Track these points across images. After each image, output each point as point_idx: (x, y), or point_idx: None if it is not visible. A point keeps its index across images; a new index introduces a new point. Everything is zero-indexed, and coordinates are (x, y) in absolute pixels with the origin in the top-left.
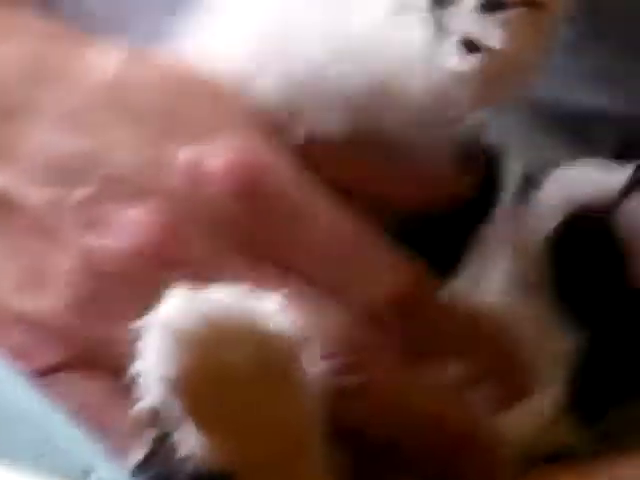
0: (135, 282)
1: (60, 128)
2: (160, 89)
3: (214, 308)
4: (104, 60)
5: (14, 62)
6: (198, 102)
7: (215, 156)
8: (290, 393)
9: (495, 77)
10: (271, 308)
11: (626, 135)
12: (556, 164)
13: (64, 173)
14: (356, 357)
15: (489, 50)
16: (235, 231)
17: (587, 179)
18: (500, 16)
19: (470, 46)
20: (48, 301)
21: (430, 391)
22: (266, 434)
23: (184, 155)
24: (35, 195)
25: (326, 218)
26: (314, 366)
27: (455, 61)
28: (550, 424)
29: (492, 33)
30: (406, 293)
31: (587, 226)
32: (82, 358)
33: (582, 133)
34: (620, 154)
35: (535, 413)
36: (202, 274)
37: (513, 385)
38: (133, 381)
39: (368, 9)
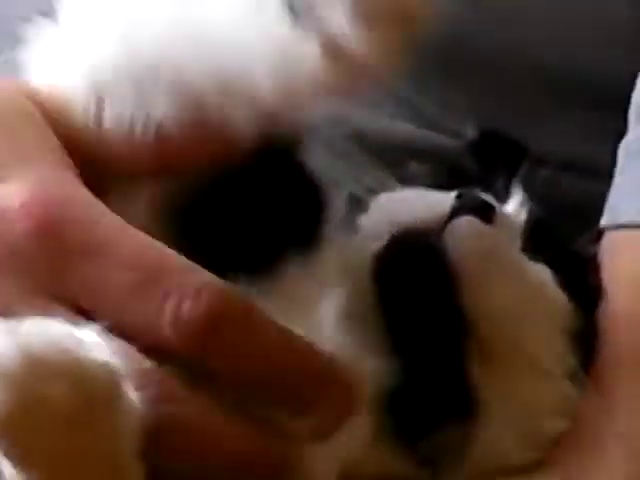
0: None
1: None
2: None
3: (26, 343)
4: None
5: None
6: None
7: (9, 194)
8: (111, 426)
9: (346, 77)
10: (90, 340)
11: (444, 165)
12: (381, 190)
13: None
14: (155, 390)
15: (344, 52)
16: (31, 271)
17: (410, 204)
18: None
19: (326, 47)
20: None
21: (238, 428)
22: (85, 469)
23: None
24: None
25: (128, 248)
26: (132, 397)
27: (311, 61)
28: (372, 449)
29: (349, 35)
30: (211, 315)
31: (412, 246)
32: None
33: (402, 163)
34: (439, 183)
35: (356, 439)
36: (3, 315)
37: (330, 410)
38: None
39: (225, 2)
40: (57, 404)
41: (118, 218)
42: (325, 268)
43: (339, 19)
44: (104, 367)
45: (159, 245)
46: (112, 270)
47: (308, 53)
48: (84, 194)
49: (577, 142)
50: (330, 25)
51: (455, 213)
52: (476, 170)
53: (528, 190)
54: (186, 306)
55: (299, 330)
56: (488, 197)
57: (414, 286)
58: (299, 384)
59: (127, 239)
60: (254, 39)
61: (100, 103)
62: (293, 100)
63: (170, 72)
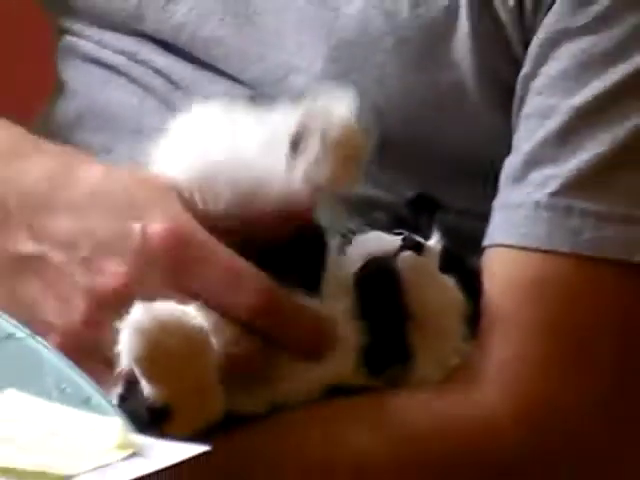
0: (113, 303)
1: (68, 217)
2: (126, 188)
3: (153, 313)
4: (92, 171)
5: (39, 174)
6: (147, 193)
7: (156, 224)
8: (201, 356)
9: (320, 189)
10: (189, 313)
11: (392, 215)
12: (359, 232)
13: (71, 243)
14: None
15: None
16: (165, 274)
17: (375, 241)
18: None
19: (308, 176)
20: (70, 313)
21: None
22: (186, 381)
23: (136, 227)
24: (58, 255)
25: (222, 258)
26: (214, 340)
27: (301, 182)
28: (353, 374)
29: (318, 169)
30: (266, 297)
31: (378, 267)
32: (88, 345)
33: (369, 213)
34: (390, 227)
35: (343, 366)
36: (149, 299)
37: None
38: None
39: (254, 145)
40: (173, 347)
41: (217, 242)
42: (329, 278)
43: (316, 160)
44: (198, 326)
45: (241, 259)
46: (215, 273)
47: (297, 177)
48: (198, 227)
49: (468, 198)
50: (310, 162)
51: (402, 248)
52: (411, 218)
53: (440, 229)
54: (253, 298)
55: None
56: (419, 237)
57: (379, 290)
58: (310, 338)
59: (224, 255)
60: (268, 165)
61: (195, 191)
62: (291, 199)
63: (225, 178)
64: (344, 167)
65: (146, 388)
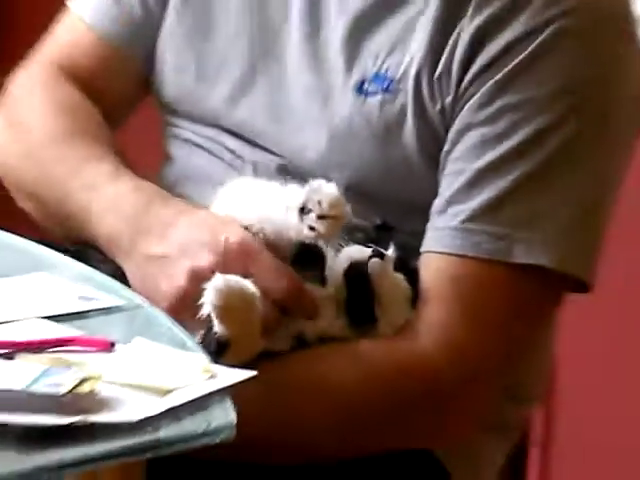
0: (202, 281)
1: (181, 233)
2: (212, 221)
3: (227, 279)
4: (196, 213)
5: (168, 212)
6: (222, 224)
7: (233, 237)
8: (251, 310)
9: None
10: (248, 284)
11: (368, 235)
12: (345, 245)
13: (192, 245)
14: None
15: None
16: (237, 265)
17: (355, 251)
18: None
19: (311, 227)
20: (176, 286)
21: None
22: (241, 324)
23: (222, 239)
24: (174, 253)
25: (268, 261)
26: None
27: (307, 231)
28: (339, 330)
29: (319, 225)
30: (291, 285)
31: (356, 268)
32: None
33: (353, 233)
34: (365, 243)
35: (330, 323)
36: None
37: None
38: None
39: (276, 208)
40: (235, 301)
41: (266, 251)
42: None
43: (315, 220)
44: (252, 292)
45: (278, 261)
46: (264, 269)
47: (304, 229)
48: (255, 242)
49: (413, 224)
50: (312, 221)
51: (371, 257)
52: (378, 237)
53: (396, 243)
54: (284, 285)
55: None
56: (382, 250)
57: (357, 282)
58: (310, 310)
59: (269, 259)
60: (287, 221)
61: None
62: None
63: (263, 227)
64: (331, 225)
65: (216, 327)
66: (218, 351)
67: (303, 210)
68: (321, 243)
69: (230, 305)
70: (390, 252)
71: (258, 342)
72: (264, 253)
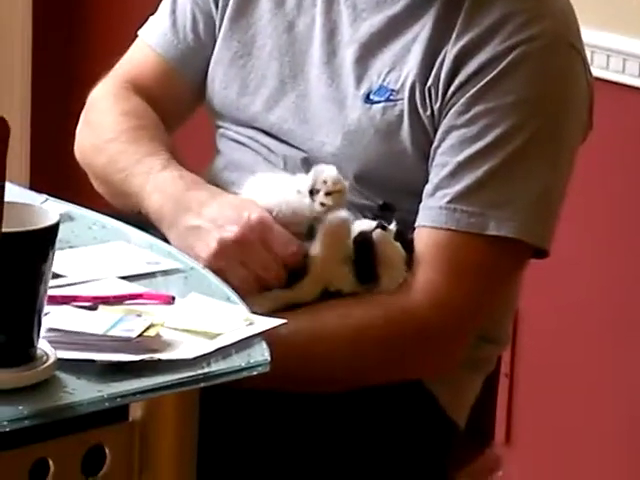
0: (231, 247)
1: (213, 209)
2: (236, 202)
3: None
4: (224, 196)
5: (203, 195)
6: (245, 205)
7: (254, 214)
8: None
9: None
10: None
11: (374, 213)
12: (356, 219)
13: (213, 219)
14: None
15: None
16: (259, 236)
17: (364, 224)
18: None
19: (322, 204)
20: (208, 252)
21: None
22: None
23: (245, 214)
24: (206, 225)
25: (280, 232)
26: None
27: (319, 207)
28: (350, 284)
29: (327, 200)
30: (297, 251)
31: (364, 236)
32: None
33: (361, 213)
34: (375, 219)
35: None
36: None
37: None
38: None
39: (290, 193)
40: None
41: (279, 225)
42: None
43: (323, 197)
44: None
45: (288, 233)
46: (279, 239)
47: (316, 204)
48: (271, 218)
49: (410, 204)
50: (320, 199)
51: (375, 228)
52: (382, 215)
53: (396, 219)
54: (290, 250)
55: None
56: (385, 223)
57: (364, 247)
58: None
59: (282, 232)
60: (298, 201)
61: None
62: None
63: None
64: (337, 198)
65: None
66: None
67: (312, 192)
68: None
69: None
70: (392, 226)
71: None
72: (277, 226)
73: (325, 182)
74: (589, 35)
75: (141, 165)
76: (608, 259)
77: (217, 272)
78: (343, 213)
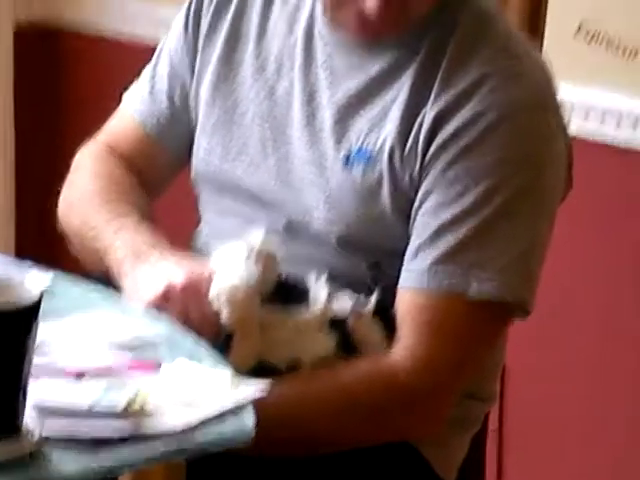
0: (176, 292)
1: (157, 270)
2: (190, 262)
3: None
4: (164, 255)
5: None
6: (199, 265)
7: (206, 271)
8: (251, 304)
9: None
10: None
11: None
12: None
13: (174, 271)
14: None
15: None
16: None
17: (340, 306)
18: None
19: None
20: (154, 292)
21: None
22: (246, 315)
23: (197, 271)
24: (160, 274)
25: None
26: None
27: (250, 272)
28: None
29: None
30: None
31: (339, 321)
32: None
33: (342, 280)
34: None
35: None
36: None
37: None
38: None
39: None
40: (238, 294)
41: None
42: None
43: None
44: (252, 289)
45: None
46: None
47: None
48: (199, 281)
49: (394, 265)
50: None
51: (351, 312)
52: (367, 276)
53: (382, 280)
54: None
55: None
56: (362, 304)
57: (341, 330)
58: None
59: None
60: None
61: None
62: None
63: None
64: (264, 264)
65: (223, 317)
66: (226, 343)
67: (248, 257)
68: (304, 279)
69: (232, 297)
70: (371, 302)
71: (257, 338)
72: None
73: (252, 249)
74: (566, 92)
75: (112, 224)
76: (594, 314)
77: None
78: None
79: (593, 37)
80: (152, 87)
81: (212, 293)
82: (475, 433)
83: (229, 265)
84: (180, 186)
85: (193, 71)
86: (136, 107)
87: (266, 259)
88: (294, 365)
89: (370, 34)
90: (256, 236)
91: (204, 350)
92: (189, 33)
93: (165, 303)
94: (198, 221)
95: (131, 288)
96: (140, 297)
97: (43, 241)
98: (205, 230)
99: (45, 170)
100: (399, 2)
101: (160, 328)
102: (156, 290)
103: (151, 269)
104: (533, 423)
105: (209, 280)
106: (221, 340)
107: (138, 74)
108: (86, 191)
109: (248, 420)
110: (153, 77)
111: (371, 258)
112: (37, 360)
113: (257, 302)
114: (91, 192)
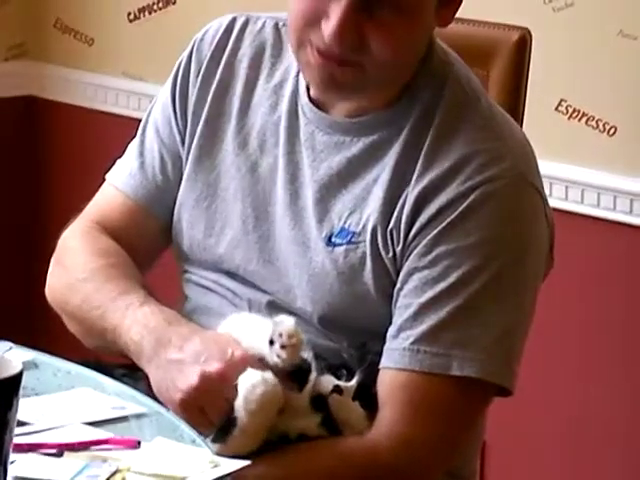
0: (212, 383)
1: (193, 345)
2: (218, 338)
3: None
4: (202, 333)
5: (185, 331)
6: (228, 342)
7: (237, 351)
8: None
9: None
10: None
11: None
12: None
13: (204, 355)
14: None
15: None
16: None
17: (323, 385)
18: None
19: (278, 356)
20: (189, 384)
21: None
22: (265, 423)
23: (228, 351)
24: (188, 360)
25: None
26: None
27: (275, 359)
28: (317, 429)
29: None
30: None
31: (320, 401)
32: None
33: (328, 358)
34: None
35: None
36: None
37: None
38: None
39: (257, 339)
40: (267, 402)
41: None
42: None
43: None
44: (280, 396)
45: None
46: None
47: (273, 356)
48: (251, 355)
49: (378, 344)
50: (277, 351)
51: (332, 392)
52: (352, 357)
53: (367, 359)
54: None
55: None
56: (343, 383)
57: (322, 409)
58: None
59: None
60: (263, 349)
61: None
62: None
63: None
64: (290, 351)
65: (239, 415)
66: (225, 434)
67: (272, 342)
68: (308, 363)
69: (262, 404)
70: (353, 382)
71: (260, 441)
72: (258, 365)
73: (281, 336)
74: (547, 167)
75: (118, 302)
76: (572, 389)
77: (187, 411)
78: (269, 377)
79: (573, 113)
80: (142, 163)
81: (241, 393)
82: None
83: (256, 345)
84: (160, 261)
85: (183, 144)
86: (125, 182)
87: (295, 345)
88: (280, 439)
89: (334, 84)
90: (287, 320)
91: (185, 429)
92: (177, 107)
93: (202, 396)
94: (181, 296)
95: (161, 377)
96: (176, 388)
97: (21, 318)
98: (188, 306)
99: (25, 250)
100: (355, 34)
101: (141, 406)
102: (191, 381)
103: (178, 353)
104: None
105: (240, 367)
106: (223, 423)
107: (122, 153)
108: (84, 270)
109: None
110: (142, 153)
111: (357, 338)
112: (17, 437)
113: (277, 411)
114: (90, 270)
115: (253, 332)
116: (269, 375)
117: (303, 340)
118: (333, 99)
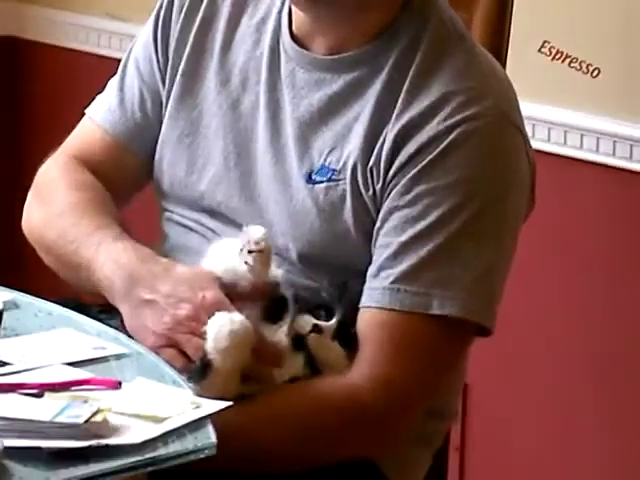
0: (183, 323)
1: (167, 285)
2: (190, 277)
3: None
4: (177, 268)
5: (159, 268)
6: (200, 282)
7: (208, 294)
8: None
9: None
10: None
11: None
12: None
13: (175, 297)
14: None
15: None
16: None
17: (301, 325)
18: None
19: (245, 263)
20: (160, 326)
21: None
22: (236, 361)
23: (199, 294)
24: (161, 300)
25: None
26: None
27: (243, 266)
28: (302, 371)
29: (249, 258)
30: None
31: (299, 340)
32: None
33: (307, 296)
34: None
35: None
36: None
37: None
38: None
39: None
40: (238, 339)
41: (232, 307)
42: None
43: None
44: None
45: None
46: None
47: (241, 263)
48: (224, 298)
49: (358, 283)
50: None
51: (310, 331)
52: (331, 295)
53: (347, 296)
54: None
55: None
56: (322, 323)
57: (301, 348)
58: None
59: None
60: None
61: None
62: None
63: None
64: (258, 257)
65: (211, 355)
66: (201, 377)
67: (241, 251)
68: (285, 298)
69: (231, 342)
70: (332, 321)
71: (237, 383)
72: (232, 309)
73: (249, 242)
74: (530, 108)
75: (93, 237)
76: (558, 332)
77: (160, 352)
78: (237, 317)
79: (556, 55)
80: (122, 99)
81: (210, 335)
82: (437, 450)
83: (225, 263)
84: (140, 199)
85: (164, 82)
86: (104, 117)
87: (262, 251)
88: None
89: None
90: (255, 228)
91: (169, 372)
92: (159, 45)
93: (173, 336)
94: (160, 235)
95: (134, 316)
96: (147, 328)
97: (4, 262)
98: (167, 245)
99: (4, 189)
100: None
101: (122, 347)
102: (163, 323)
103: (150, 294)
104: (495, 440)
105: (210, 309)
106: (197, 366)
107: (102, 88)
108: (61, 204)
109: (209, 434)
110: (121, 89)
111: (337, 277)
112: None
113: (249, 350)
114: (67, 204)
115: (229, 254)
116: (237, 315)
117: (271, 248)
118: (308, 13)
